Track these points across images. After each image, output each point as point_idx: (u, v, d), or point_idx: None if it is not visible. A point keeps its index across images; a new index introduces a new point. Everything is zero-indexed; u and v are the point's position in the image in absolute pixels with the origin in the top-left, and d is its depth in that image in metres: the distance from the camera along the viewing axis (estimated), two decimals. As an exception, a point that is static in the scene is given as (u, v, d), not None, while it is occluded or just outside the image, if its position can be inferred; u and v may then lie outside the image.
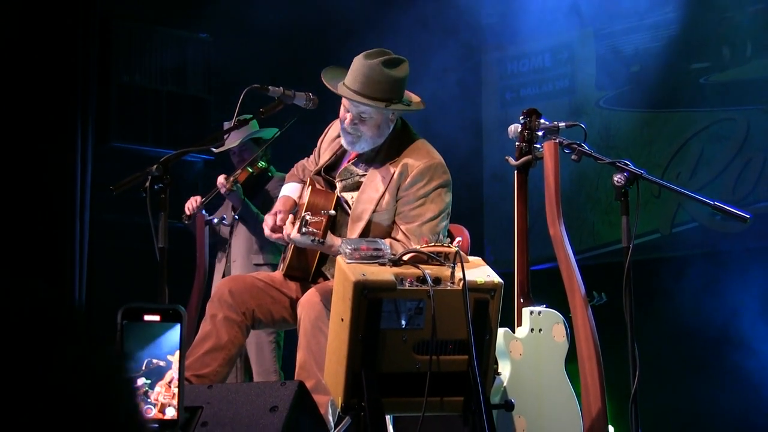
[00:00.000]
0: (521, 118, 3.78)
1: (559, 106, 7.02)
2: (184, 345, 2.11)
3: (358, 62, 3.64)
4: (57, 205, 5.85)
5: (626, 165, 3.42)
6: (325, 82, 3.70)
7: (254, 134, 5.44)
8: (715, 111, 6.42)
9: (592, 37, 6.99)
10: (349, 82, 3.63)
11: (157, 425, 2.07)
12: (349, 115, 3.64)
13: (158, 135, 6.52)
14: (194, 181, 6.68)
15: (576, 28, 7.01)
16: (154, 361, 2.09)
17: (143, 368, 2.09)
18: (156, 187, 3.39)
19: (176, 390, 2.10)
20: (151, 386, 2.10)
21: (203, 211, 5.29)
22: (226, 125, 5.50)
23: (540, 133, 3.74)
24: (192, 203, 5.21)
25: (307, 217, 3.40)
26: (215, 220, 5.35)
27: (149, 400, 2.09)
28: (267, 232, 3.67)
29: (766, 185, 6.18)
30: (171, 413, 2.11)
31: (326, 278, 3.69)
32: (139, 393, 2.06)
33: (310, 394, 2.98)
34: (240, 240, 5.45)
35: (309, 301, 3.52)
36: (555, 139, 3.63)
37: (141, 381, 2.09)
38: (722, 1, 6.36)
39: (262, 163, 5.44)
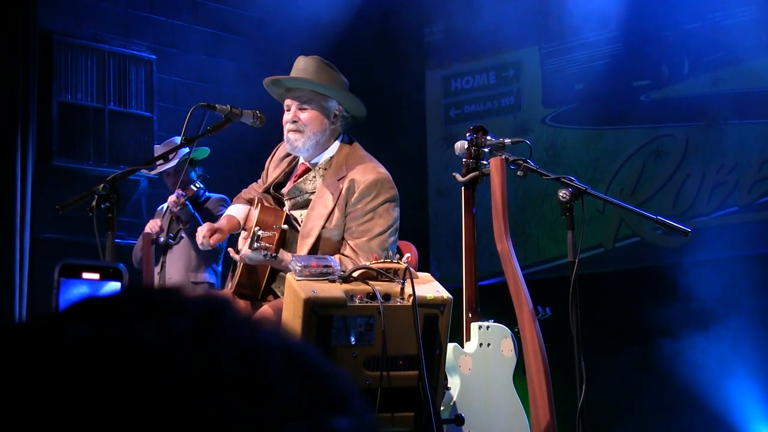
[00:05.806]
0: (468, 134, 3.82)
1: (505, 123, 7.09)
2: None
3: (298, 60, 3.80)
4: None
5: (571, 180, 3.47)
6: (267, 82, 3.80)
7: (188, 155, 5.42)
8: (656, 127, 6.54)
9: (538, 55, 7.08)
10: (291, 74, 3.77)
11: None
12: (291, 113, 3.70)
13: (100, 153, 6.43)
14: (138, 199, 6.62)
15: (522, 46, 7.09)
16: None
17: None
18: (103, 206, 3.35)
19: None
20: None
21: (151, 231, 5.27)
22: (157, 147, 5.48)
23: (486, 150, 3.78)
24: (155, 226, 5.27)
25: (259, 233, 3.39)
26: (161, 239, 5.32)
27: None
28: (199, 237, 3.64)
29: (704, 200, 6.30)
30: None
31: (276, 296, 3.68)
32: None
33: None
34: (177, 257, 5.42)
35: (262, 318, 3.51)
36: (501, 156, 3.67)
37: None
38: (661, 20, 6.48)
39: (198, 184, 5.45)
